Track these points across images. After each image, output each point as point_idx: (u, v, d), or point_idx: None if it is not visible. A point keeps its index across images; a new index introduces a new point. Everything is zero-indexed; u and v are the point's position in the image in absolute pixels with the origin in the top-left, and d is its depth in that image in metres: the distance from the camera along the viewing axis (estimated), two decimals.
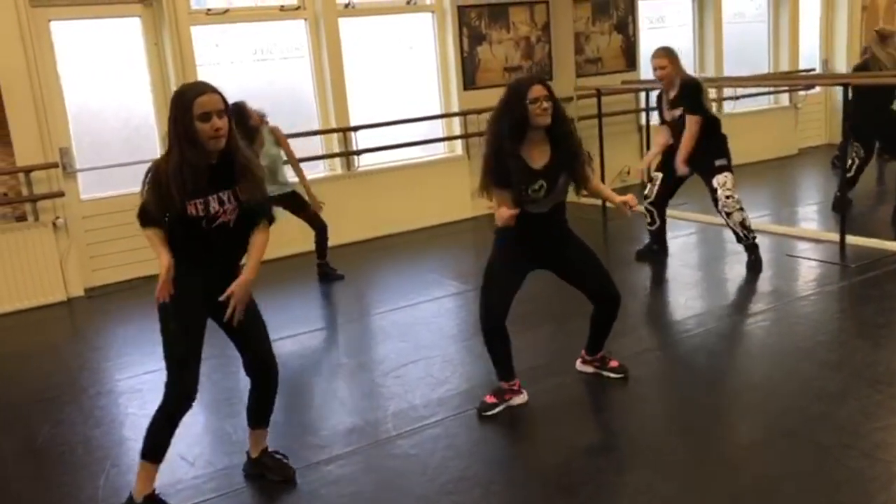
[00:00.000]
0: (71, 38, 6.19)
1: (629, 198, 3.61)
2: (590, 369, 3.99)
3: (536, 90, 3.38)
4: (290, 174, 5.87)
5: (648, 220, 5.87)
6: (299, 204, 5.81)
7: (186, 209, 2.85)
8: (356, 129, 7.24)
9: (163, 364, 3.99)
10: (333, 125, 7.19)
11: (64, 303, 6.07)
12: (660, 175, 5.70)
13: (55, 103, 6.08)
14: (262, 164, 5.60)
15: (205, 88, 2.81)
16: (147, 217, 2.96)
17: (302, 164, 5.97)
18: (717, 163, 5.37)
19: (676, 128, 5.44)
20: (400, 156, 7.53)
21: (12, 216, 5.94)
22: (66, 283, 6.11)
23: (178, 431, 3.80)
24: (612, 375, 3.91)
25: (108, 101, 6.40)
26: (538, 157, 3.49)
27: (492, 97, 7.62)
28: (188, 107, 2.75)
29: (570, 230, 3.74)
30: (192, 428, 3.83)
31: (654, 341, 4.55)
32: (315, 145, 7.15)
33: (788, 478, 2.99)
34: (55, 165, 6.00)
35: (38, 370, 4.82)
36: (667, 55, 5.38)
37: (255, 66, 6.93)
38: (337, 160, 7.29)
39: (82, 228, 6.26)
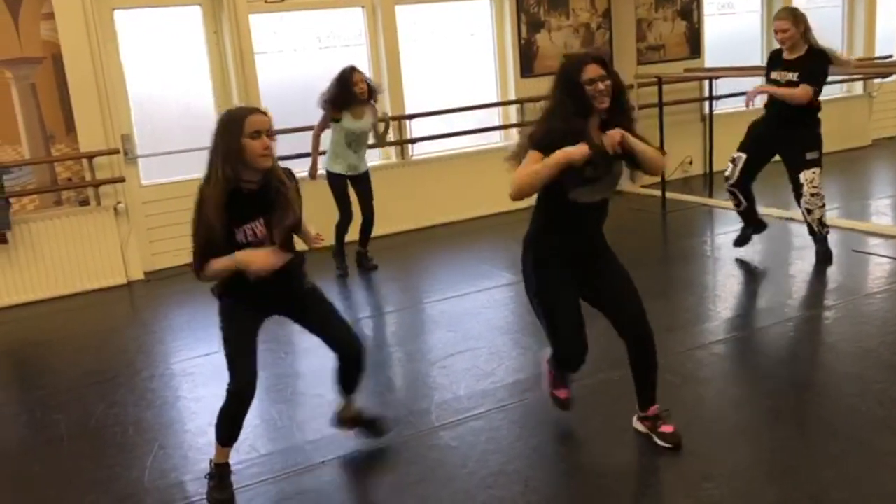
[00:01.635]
0: (133, 26, 6.32)
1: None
2: (642, 429, 3.30)
3: (591, 70, 2.87)
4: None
5: (735, 201, 5.52)
6: (367, 188, 5.84)
7: (236, 235, 2.88)
8: (411, 117, 7.23)
9: (214, 348, 4.06)
10: (389, 113, 7.19)
11: (124, 286, 6.23)
12: (743, 156, 5.36)
13: (118, 91, 6.22)
14: (357, 130, 5.62)
15: (256, 109, 2.91)
16: (205, 259, 2.87)
17: None
18: (809, 156, 5.10)
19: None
20: (455, 144, 7.48)
21: (76, 200, 6.11)
22: (127, 267, 6.27)
23: None
24: (661, 444, 3.20)
25: (168, 89, 6.52)
26: (596, 135, 2.99)
27: (550, 85, 7.68)
28: (240, 124, 2.80)
29: (607, 245, 3.24)
30: None
31: (710, 337, 4.41)
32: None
33: (840, 484, 2.86)
34: (117, 151, 6.15)
35: (97, 351, 4.96)
36: (790, 17, 5.03)
37: (317, 55, 6.97)
38: (391, 148, 7.29)
39: (142, 213, 6.41)
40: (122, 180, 6.17)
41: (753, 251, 6.03)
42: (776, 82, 5.14)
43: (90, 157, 6.04)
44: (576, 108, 2.88)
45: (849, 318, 4.45)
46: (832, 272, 5.18)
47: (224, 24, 6.47)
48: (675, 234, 6.86)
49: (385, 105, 7.18)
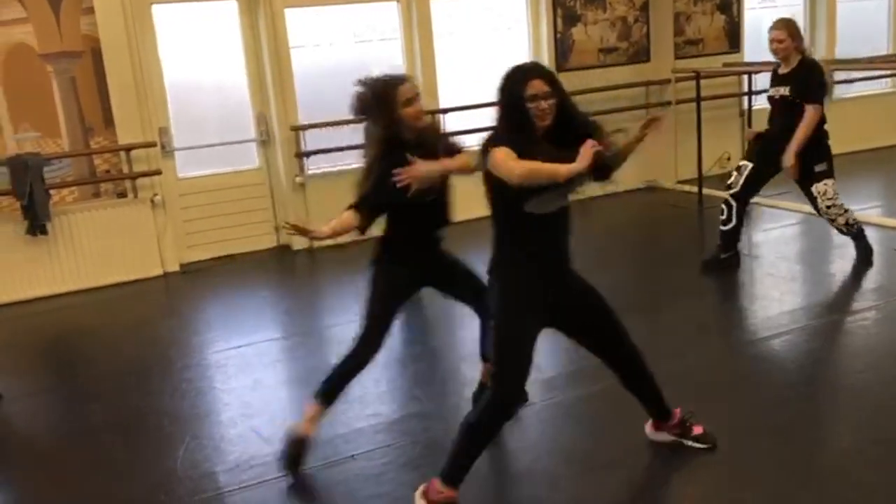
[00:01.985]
0: (171, 20, 6.39)
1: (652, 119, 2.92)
2: (669, 438, 3.18)
3: (536, 85, 2.64)
4: None
5: (723, 217, 5.14)
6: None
7: None
8: (445, 111, 7.20)
9: (247, 340, 4.09)
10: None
11: (160, 277, 6.31)
12: (749, 164, 5.10)
13: (155, 85, 6.29)
14: None
15: (406, 78, 3.20)
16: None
17: None
18: (818, 168, 4.92)
19: (779, 107, 5.00)
20: None
21: (114, 193, 6.20)
22: (163, 259, 6.35)
23: (253, 407, 3.91)
24: (697, 446, 3.14)
25: (204, 83, 6.57)
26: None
27: (586, 79, 7.61)
28: (392, 95, 3.10)
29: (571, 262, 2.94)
30: (269, 405, 3.93)
31: (744, 338, 4.34)
32: None
33: (879, 488, 2.80)
34: (154, 145, 6.22)
35: (133, 342, 5.03)
36: (785, 27, 4.92)
37: (353, 49, 6.97)
38: None
39: (178, 206, 6.48)
40: (158, 173, 6.25)
41: (792, 249, 5.93)
42: (771, 97, 5.06)
43: (128, 149, 6.12)
44: (517, 123, 2.67)
45: (890, 318, 4.35)
46: (873, 272, 5.06)
47: (260, 18, 6.51)
48: (711, 230, 6.74)
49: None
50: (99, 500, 3.20)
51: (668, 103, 7.83)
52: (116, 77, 6.02)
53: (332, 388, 3.25)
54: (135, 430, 3.78)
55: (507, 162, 2.57)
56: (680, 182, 7.70)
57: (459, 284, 3.41)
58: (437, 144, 3.25)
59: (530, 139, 2.64)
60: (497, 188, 2.67)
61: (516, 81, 2.67)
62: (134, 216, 6.21)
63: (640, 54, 7.93)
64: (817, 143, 4.94)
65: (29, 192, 5.64)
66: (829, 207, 4.97)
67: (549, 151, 2.60)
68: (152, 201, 6.27)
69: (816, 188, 4.97)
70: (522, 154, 2.57)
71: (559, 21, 7.57)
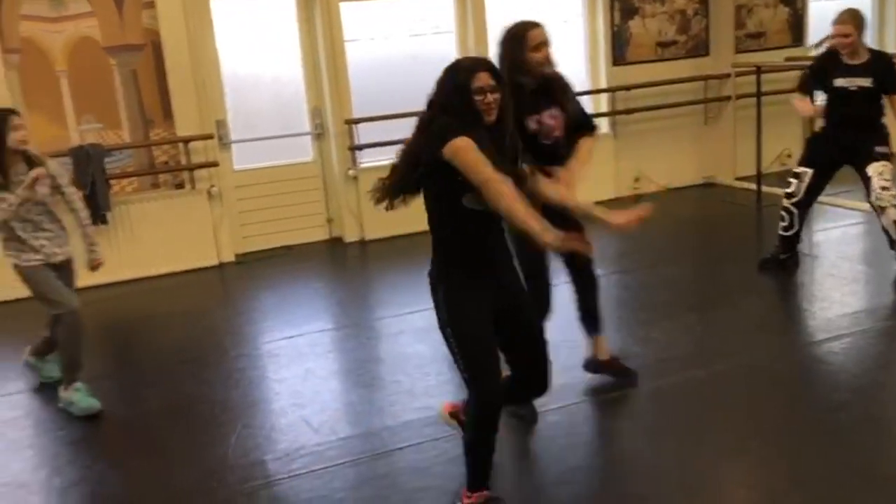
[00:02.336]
0: (229, 14, 6.47)
1: (632, 215, 2.63)
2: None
3: (483, 78, 2.60)
4: None
5: (785, 223, 5.05)
6: None
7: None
8: None
9: (299, 330, 4.10)
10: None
11: (216, 267, 6.42)
12: (809, 171, 4.96)
13: (213, 78, 6.39)
14: None
15: (535, 24, 3.34)
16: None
17: None
18: (879, 150, 4.78)
19: (856, 98, 4.81)
20: None
21: (172, 184, 6.32)
22: (219, 249, 6.46)
23: (304, 397, 3.95)
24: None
25: (261, 76, 6.65)
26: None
27: (643, 73, 7.49)
28: (521, 39, 3.26)
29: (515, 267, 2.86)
30: (320, 395, 3.97)
31: (803, 339, 4.23)
32: None
33: None
34: (211, 137, 6.32)
35: (188, 330, 5.12)
36: (852, 20, 4.76)
37: (407, 42, 6.98)
38: None
39: (234, 197, 6.58)
40: (215, 164, 6.35)
41: (854, 250, 5.75)
42: (844, 89, 4.84)
43: (186, 141, 6.23)
44: (463, 116, 2.58)
45: None
46: None
47: (316, 11, 6.56)
48: (770, 229, 6.56)
49: None
50: (153, 484, 3.27)
51: (727, 98, 7.66)
52: (176, 70, 6.13)
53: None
54: (188, 416, 3.85)
55: (495, 185, 2.49)
56: (738, 179, 7.53)
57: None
58: (563, 96, 3.37)
59: (478, 134, 2.56)
60: (441, 176, 2.56)
61: (463, 73, 2.61)
62: (191, 207, 6.32)
63: (699, 48, 7.77)
64: (882, 130, 4.84)
65: (91, 182, 5.79)
66: (883, 189, 4.75)
67: (491, 152, 2.55)
68: (209, 192, 6.37)
69: (873, 167, 4.77)
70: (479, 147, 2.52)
71: (616, 14, 7.46)
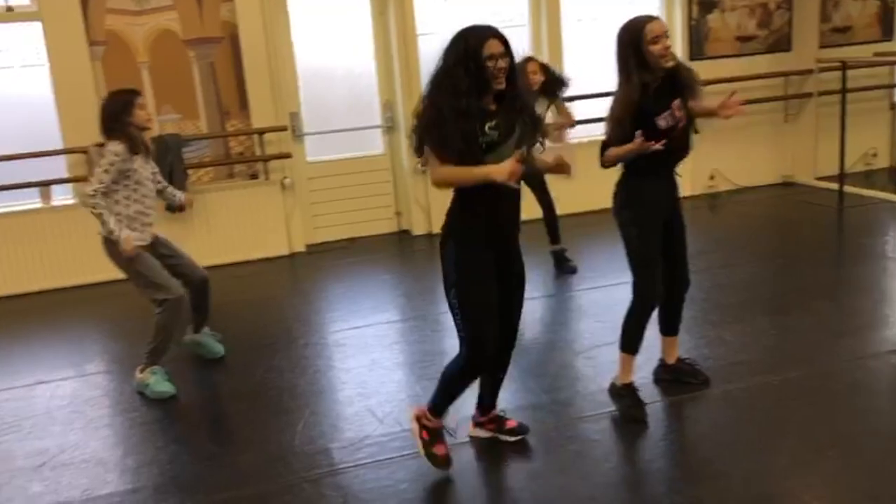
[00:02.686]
0: (304, 7, 6.56)
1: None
2: (484, 434, 3.32)
3: (494, 45, 2.73)
4: None
5: None
6: (541, 178, 5.47)
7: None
8: (572, 99, 7.07)
9: (366, 321, 4.12)
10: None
11: (287, 257, 6.54)
12: None
13: (288, 70, 6.50)
14: None
15: (652, 17, 3.24)
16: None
17: None
18: None
19: None
20: None
21: (247, 174, 6.46)
22: (290, 239, 6.57)
23: (370, 387, 3.98)
24: (510, 438, 3.28)
25: (334, 69, 6.73)
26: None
27: (721, 69, 7.30)
28: (639, 34, 3.16)
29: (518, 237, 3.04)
30: (385, 385, 3.99)
31: (885, 346, 4.04)
32: None
33: None
34: (285, 128, 6.43)
35: (259, 318, 5.23)
36: None
37: None
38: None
39: (306, 188, 6.68)
40: (288, 156, 6.46)
41: None
42: None
43: (261, 132, 6.35)
44: (472, 84, 2.70)
45: None
46: None
47: (390, 5, 6.59)
48: (851, 231, 6.36)
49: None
50: (221, 467, 3.34)
51: (809, 95, 7.41)
52: (252, 62, 6.26)
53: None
54: (257, 402, 3.92)
55: (442, 171, 2.77)
56: (819, 179, 7.28)
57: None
58: (688, 89, 3.30)
59: (476, 108, 2.71)
60: None
61: (474, 39, 2.71)
62: (265, 197, 6.45)
63: (781, 43, 7.52)
64: None
65: (169, 172, 5.95)
66: None
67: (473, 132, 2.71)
68: (282, 183, 6.49)
69: None
70: (464, 154, 2.71)
71: (694, 7, 7.28)
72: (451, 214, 2.92)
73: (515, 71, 2.81)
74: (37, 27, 5.92)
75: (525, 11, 7.04)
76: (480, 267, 2.88)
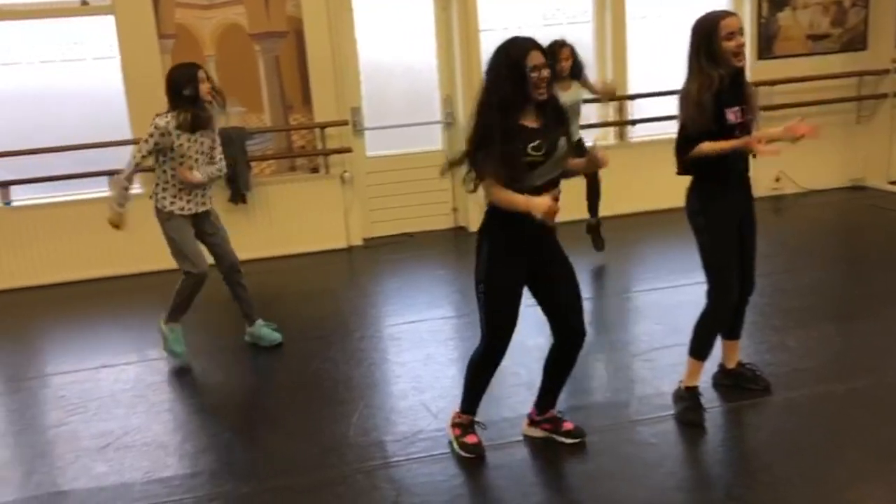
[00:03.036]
0: (368, 2, 6.60)
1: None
2: (539, 434, 3.31)
3: (536, 56, 2.84)
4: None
5: None
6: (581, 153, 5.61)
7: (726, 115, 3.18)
8: (634, 97, 6.99)
9: (421, 316, 4.11)
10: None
11: (344, 250, 6.60)
12: None
13: (350, 66, 6.56)
14: (568, 102, 5.52)
15: (728, 13, 3.21)
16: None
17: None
18: None
19: None
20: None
21: (308, 167, 6.54)
22: (348, 232, 6.64)
23: (424, 382, 4.00)
24: (567, 440, 3.25)
25: (395, 65, 6.77)
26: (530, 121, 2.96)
27: (790, 68, 7.11)
28: (714, 28, 3.12)
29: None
30: (439, 381, 4.00)
31: None
32: (588, 111, 7.01)
33: None
34: (346, 123, 6.49)
35: (316, 310, 5.29)
36: None
37: (542, 31, 6.90)
38: (609, 129, 7.10)
39: (365, 183, 6.74)
40: (349, 151, 6.52)
41: None
42: None
43: (322, 127, 6.42)
44: (515, 94, 2.83)
45: None
46: None
47: (453, 1, 6.59)
48: None
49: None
50: (275, 456, 3.39)
51: (884, 96, 7.17)
52: (316, 57, 6.33)
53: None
54: (312, 392, 3.97)
55: (496, 194, 2.89)
56: (892, 182, 7.03)
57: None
58: (751, 104, 3.27)
59: (521, 129, 2.83)
60: None
61: (517, 50, 2.83)
62: (324, 191, 6.53)
63: (856, 41, 7.29)
64: None
65: (233, 164, 6.05)
66: None
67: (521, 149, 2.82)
68: (342, 178, 6.55)
69: None
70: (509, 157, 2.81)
71: (764, 5, 7.11)
72: (489, 214, 3.01)
73: (553, 82, 2.91)
74: (109, 21, 6.09)
75: (589, 8, 6.97)
76: (508, 272, 2.99)
